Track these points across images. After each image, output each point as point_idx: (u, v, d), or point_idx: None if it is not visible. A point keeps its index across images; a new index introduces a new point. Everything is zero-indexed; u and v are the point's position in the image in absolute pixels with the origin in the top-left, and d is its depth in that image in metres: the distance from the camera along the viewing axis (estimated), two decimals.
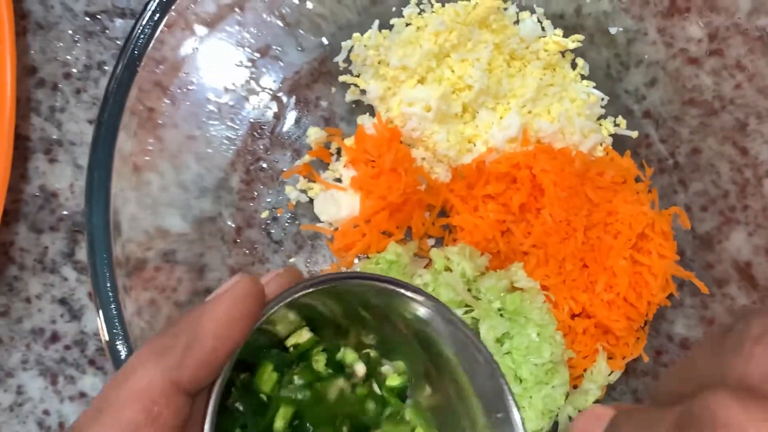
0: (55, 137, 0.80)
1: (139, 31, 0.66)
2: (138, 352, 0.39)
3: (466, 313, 0.73)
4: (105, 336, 0.62)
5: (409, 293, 0.47)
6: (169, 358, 0.39)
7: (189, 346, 0.39)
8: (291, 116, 0.81)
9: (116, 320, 0.61)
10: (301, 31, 0.80)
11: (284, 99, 0.81)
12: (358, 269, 0.77)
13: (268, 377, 0.47)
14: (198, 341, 0.39)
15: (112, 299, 0.61)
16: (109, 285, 0.61)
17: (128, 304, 0.65)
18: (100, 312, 0.61)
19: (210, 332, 0.39)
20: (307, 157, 0.80)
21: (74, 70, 0.81)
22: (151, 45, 0.66)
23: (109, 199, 0.63)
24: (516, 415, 0.49)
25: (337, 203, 0.78)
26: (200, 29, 0.73)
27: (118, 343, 0.62)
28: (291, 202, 0.79)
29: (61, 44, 0.81)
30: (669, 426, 0.30)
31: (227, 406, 0.46)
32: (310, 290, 0.44)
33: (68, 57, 0.81)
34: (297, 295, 0.43)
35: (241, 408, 0.47)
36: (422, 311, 0.48)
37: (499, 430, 0.49)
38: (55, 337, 0.77)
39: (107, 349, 0.62)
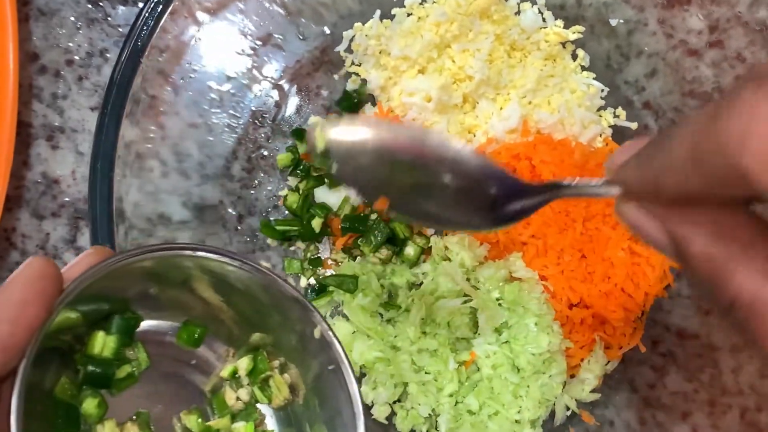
0: (57, 124, 0.80)
1: (143, 22, 0.66)
2: None
3: (464, 302, 0.73)
4: None
5: (205, 254, 0.49)
6: None
7: None
8: (292, 104, 0.81)
9: None
10: (302, 20, 0.80)
11: (286, 87, 0.81)
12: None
13: (101, 344, 0.48)
14: None
15: None
16: None
17: None
18: None
19: (3, 317, 0.39)
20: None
21: (76, 57, 0.81)
22: (154, 35, 0.66)
23: (112, 187, 0.63)
24: (344, 364, 0.52)
25: (338, 191, 0.79)
26: (203, 17, 0.73)
27: None
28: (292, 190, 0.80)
29: (64, 31, 0.81)
30: (701, 116, 0.30)
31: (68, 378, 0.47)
32: (111, 268, 0.45)
33: (70, 44, 0.81)
34: (96, 276, 0.44)
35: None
36: (218, 268, 0.50)
37: (333, 378, 0.52)
38: None
39: None
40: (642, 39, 0.81)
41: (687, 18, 0.78)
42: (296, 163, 0.79)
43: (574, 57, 0.82)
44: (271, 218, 0.79)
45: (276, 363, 0.55)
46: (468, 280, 0.75)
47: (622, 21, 0.80)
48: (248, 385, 0.54)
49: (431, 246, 0.77)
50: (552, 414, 0.76)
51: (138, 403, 0.51)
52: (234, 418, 0.54)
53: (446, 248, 0.75)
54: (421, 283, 0.76)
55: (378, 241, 0.75)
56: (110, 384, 0.48)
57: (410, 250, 0.77)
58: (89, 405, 0.47)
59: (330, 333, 0.52)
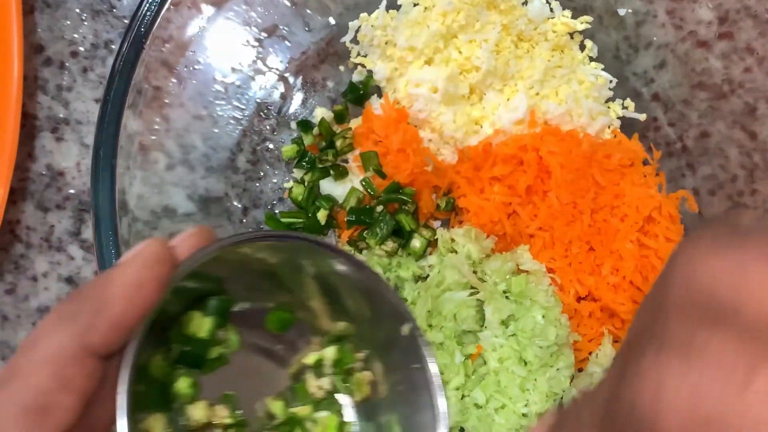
0: (61, 116, 0.80)
1: (146, 9, 0.66)
2: (46, 318, 0.39)
3: (471, 294, 0.73)
4: None
5: (320, 248, 0.49)
6: (78, 322, 0.38)
7: (98, 310, 0.39)
8: (298, 97, 0.81)
9: None
10: (308, 11, 0.79)
11: (291, 79, 0.80)
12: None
13: (197, 324, 0.48)
14: (106, 305, 0.39)
15: None
16: (114, 262, 0.61)
17: None
18: None
19: (118, 296, 0.39)
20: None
21: (81, 49, 0.81)
22: (157, 23, 0.66)
23: (114, 176, 0.63)
24: (431, 365, 0.50)
25: (344, 183, 0.78)
26: (207, 8, 0.73)
27: None
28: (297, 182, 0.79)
29: (69, 23, 0.81)
30: (610, 378, 0.30)
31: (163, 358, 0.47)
32: (218, 251, 0.44)
33: (75, 35, 0.81)
34: (207, 258, 0.44)
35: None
36: (335, 265, 0.50)
37: (417, 378, 0.50)
38: None
39: None
40: (651, 30, 0.80)
41: (696, 9, 0.78)
42: (301, 155, 0.79)
43: (582, 48, 0.82)
44: (276, 211, 0.79)
45: (360, 355, 0.54)
46: (474, 272, 0.74)
47: (630, 11, 0.79)
48: (331, 375, 0.54)
49: (437, 238, 0.76)
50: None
51: (225, 385, 0.50)
52: (316, 406, 0.53)
53: (453, 240, 0.75)
54: (428, 276, 0.75)
55: (383, 233, 0.75)
56: (203, 364, 0.48)
57: (416, 243, 0.76)
58: (183, 384, 0.46)
59: (418, 332, 0.51)
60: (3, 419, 0.36)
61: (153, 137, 0.72)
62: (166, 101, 0.72)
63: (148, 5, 0.66)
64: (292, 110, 0.80)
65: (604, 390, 0.31)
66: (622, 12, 0.79)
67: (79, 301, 0.40)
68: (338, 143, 0.78)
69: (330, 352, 0.53)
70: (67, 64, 0.81)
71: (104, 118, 0.63)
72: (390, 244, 0.76)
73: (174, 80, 0.73)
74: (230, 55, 0.77)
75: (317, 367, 0.54)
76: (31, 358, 0.38)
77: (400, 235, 0.76)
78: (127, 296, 0.39)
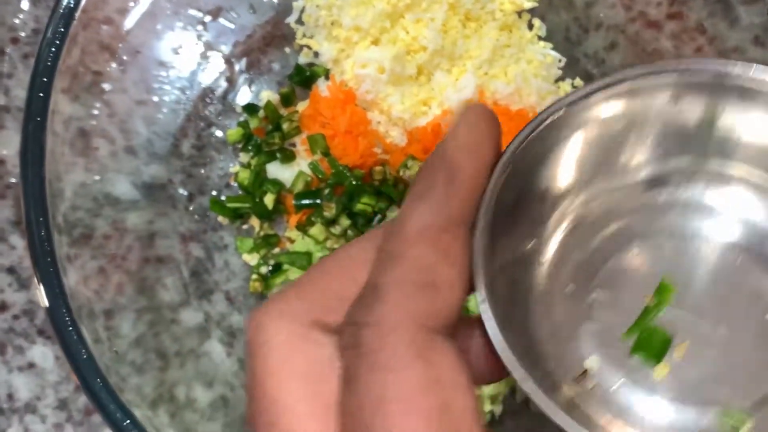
0: (2, 103, 0.78)
1: None
2: (406, 204, 0.37)
3: None
4: (45, 302, 0.59)
5: None
6: (434, 194, 0.37)
7: (448, 178, 0.37)
8: (244, 80, 0.79)
9: (56, 285, 0.59)
10: None
11: (236, 63, 0.79)
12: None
13: None
14: (454, 171, 0.37)
15: (50, 263, 0.59)
16: (48, 248, 0.59)
17: (72, 273, 0.63)
18: (39, 275, 0.59)
19: (461, 159, 0.37)
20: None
21: (22, 34, 0.79)
22: (89, 4, 0.64)
23: (44, 155, 0.61)
24: None
25: (291, 167, 0.77)
26: None
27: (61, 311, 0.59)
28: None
29: (9, 8, 0.79)
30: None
31: None
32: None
33: (16, 21, 0.79)
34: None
35: None
36: None
37: None
38: (3, 307, 0.75)
39: (49, 316, 0.60)
40: (601, 11, 0.79)
41: None
42: (247, 139, 0.77)
43: (531, 27, 0.81)
44: (223, 197, 0.77)
45: None
46: None
47: None
48: None
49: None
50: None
51: None
52: None
53: None
54: None
55: (332, 215, 0.73)
56: None
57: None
58: None
59: None
60: (399, 300, 0.34)
61: (93, 122, 0.70)
62: (107, 86, 0.71)
63: None
64: (238, 95, 0.79)
65: None
66: None
67: (426, 175, 0.38)
68: (285, 126, 0.77)
69: None
70: (7, 50, 0.79)
71: (32, 93, 0.61)
72: (339, 228, 0.74)
73: (114, 64, 0.71)
74: (174, 39, 0.76)
75: None
76: (401, 240, 0.36)
77: (352, 217, 0.75)
78: (468, 158, 0.38)
